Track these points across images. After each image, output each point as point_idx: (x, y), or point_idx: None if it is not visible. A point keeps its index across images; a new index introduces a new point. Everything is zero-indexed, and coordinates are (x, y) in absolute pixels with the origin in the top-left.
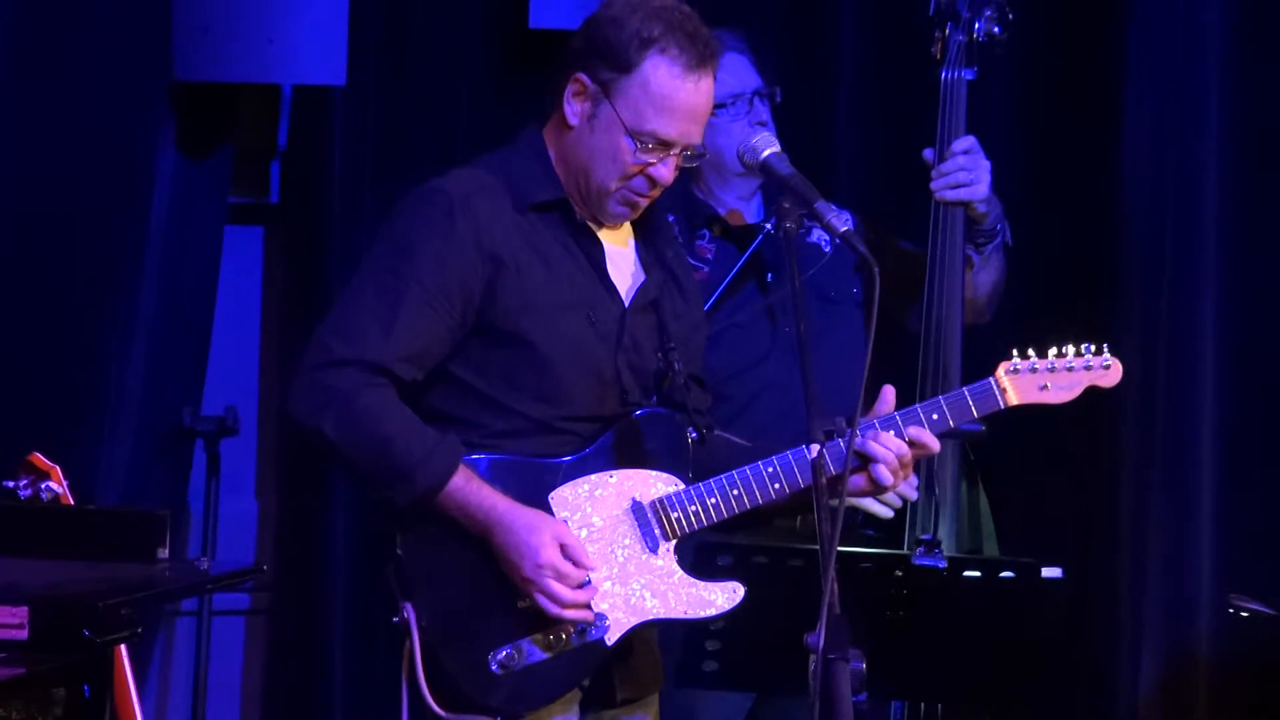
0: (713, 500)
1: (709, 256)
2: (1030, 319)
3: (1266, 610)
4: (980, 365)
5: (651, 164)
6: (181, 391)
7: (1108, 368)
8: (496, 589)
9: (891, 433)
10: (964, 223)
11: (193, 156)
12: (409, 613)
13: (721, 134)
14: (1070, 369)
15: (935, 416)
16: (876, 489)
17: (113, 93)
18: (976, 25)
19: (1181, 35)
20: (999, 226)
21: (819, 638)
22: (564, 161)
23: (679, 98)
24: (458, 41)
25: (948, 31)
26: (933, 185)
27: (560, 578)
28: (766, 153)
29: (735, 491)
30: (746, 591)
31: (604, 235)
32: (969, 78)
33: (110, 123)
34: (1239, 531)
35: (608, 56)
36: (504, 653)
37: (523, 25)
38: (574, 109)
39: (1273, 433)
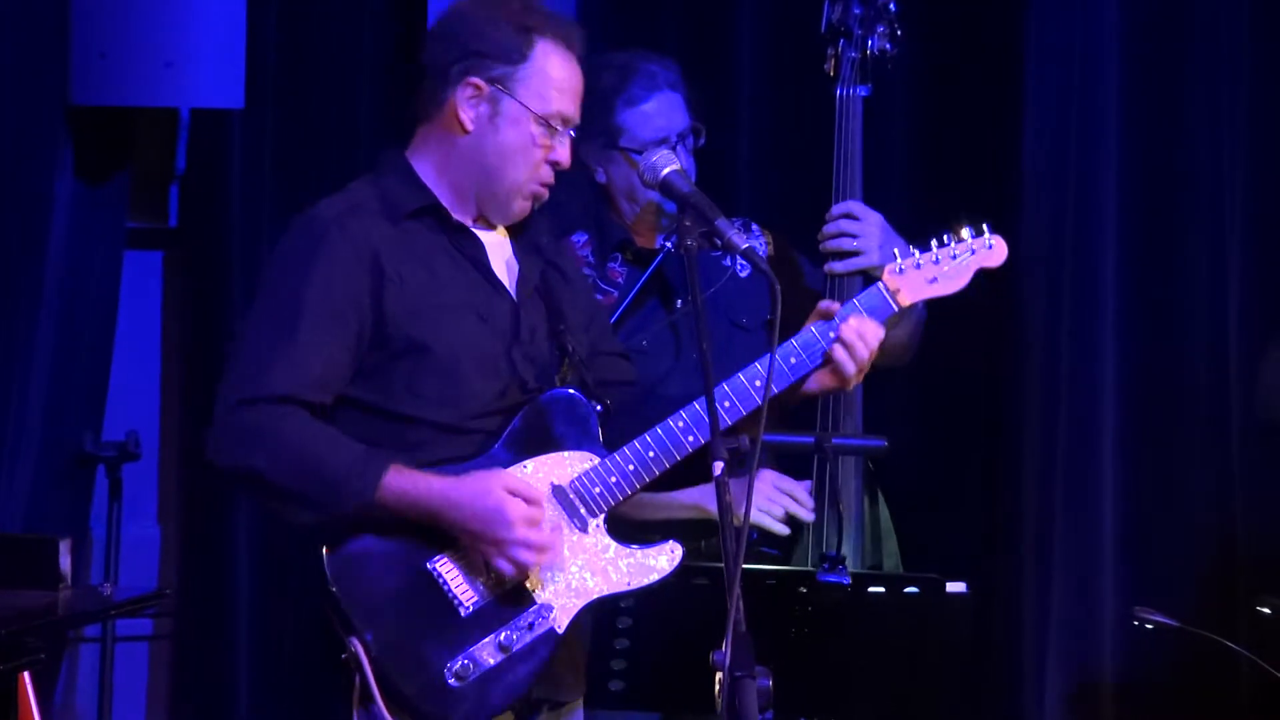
0: (631, 468)
1: (619, 280)
2: (931, 323)
3: (1170, 622)
4: (880, 389)
5: (554, 147)
6: (82, 417)
7: (991, 247)
8: (435, 604)
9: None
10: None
11: (91, 181)
12: (356, 646)
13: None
14: (955, 256)
15: (833, 334)
16: (840, 376)
17: (9, 118)
18: (869, 42)
19: (1080, 35)
20: None
21: (725, 655)
22: (452, 170)
23: (571, 77)
24: (355, 63)
25: (840, 49)
26: (822, 248)
27: (531, 523)
28: (666, 171)
29: (651, 454)
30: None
31: (481, 234)
32: (863, 94)
33: (6, 148)
34: (1142, 543)
35: (494, 54)
36: (458, 664)
37: (420, 48)
38: (469, 114)
39: (1175, 443)
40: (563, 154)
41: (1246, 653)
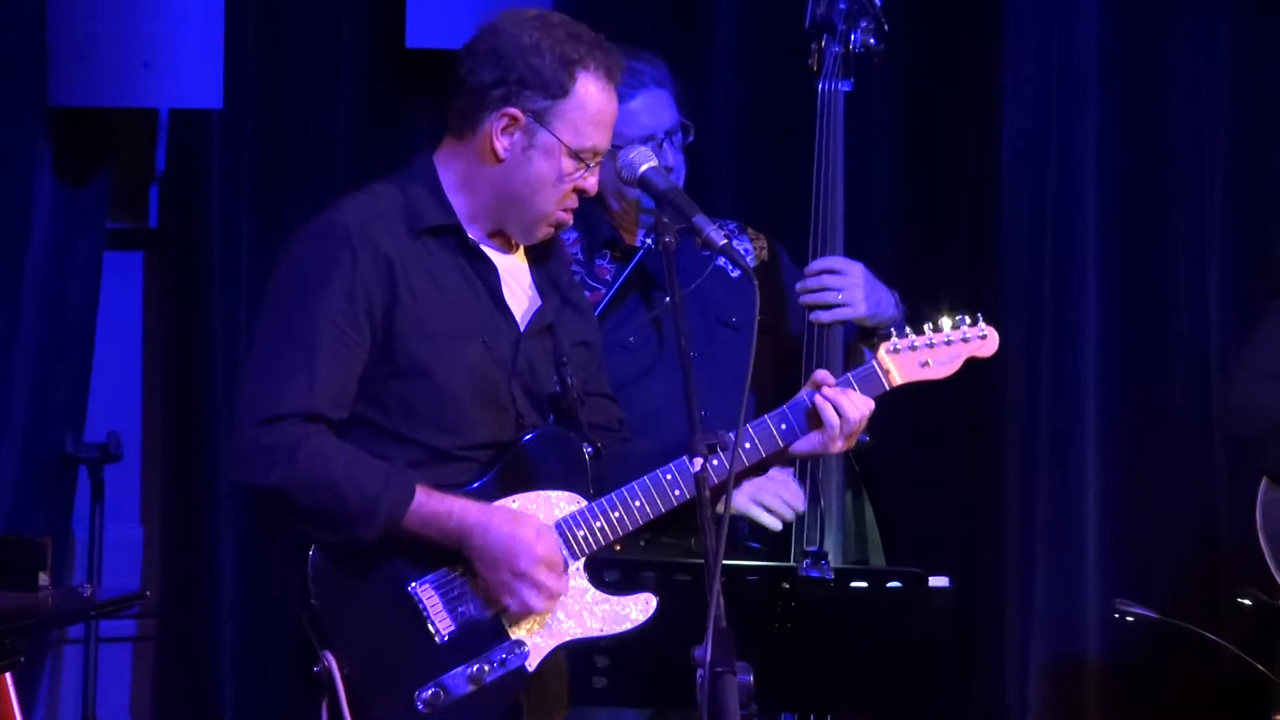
0: (616, 514)
1: (607, 277)
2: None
3: (1151, 614)
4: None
5: (584, 178)
6: (63, 418)
7: (984, 337)
8: (412, 628)
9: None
10: (841, 338)
11: (70, 182)
12: (329, 661)
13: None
14: (949, 342)
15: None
16: (828, 439)
17: None
18: (853, 37)
19: (1059, 21)
20: (895, 315)
21: (705, 651)
22: (478, 189)
23: (609, 110)
24: (334, 62)
25: (824, 43)
26: (802, 301)
27: (551, 567)
28: (644, 167)
29: (637, 503)
30: (641, 626)
31: (497, 258)
32: (846, 89)
33: None
34: (1124, 536)
35: (537, 86)
36: (429, 691)
37: (400, 45)
38: (504, 142)
39: (1156, 436)
40: (591, 184)
41: (1224, 643)
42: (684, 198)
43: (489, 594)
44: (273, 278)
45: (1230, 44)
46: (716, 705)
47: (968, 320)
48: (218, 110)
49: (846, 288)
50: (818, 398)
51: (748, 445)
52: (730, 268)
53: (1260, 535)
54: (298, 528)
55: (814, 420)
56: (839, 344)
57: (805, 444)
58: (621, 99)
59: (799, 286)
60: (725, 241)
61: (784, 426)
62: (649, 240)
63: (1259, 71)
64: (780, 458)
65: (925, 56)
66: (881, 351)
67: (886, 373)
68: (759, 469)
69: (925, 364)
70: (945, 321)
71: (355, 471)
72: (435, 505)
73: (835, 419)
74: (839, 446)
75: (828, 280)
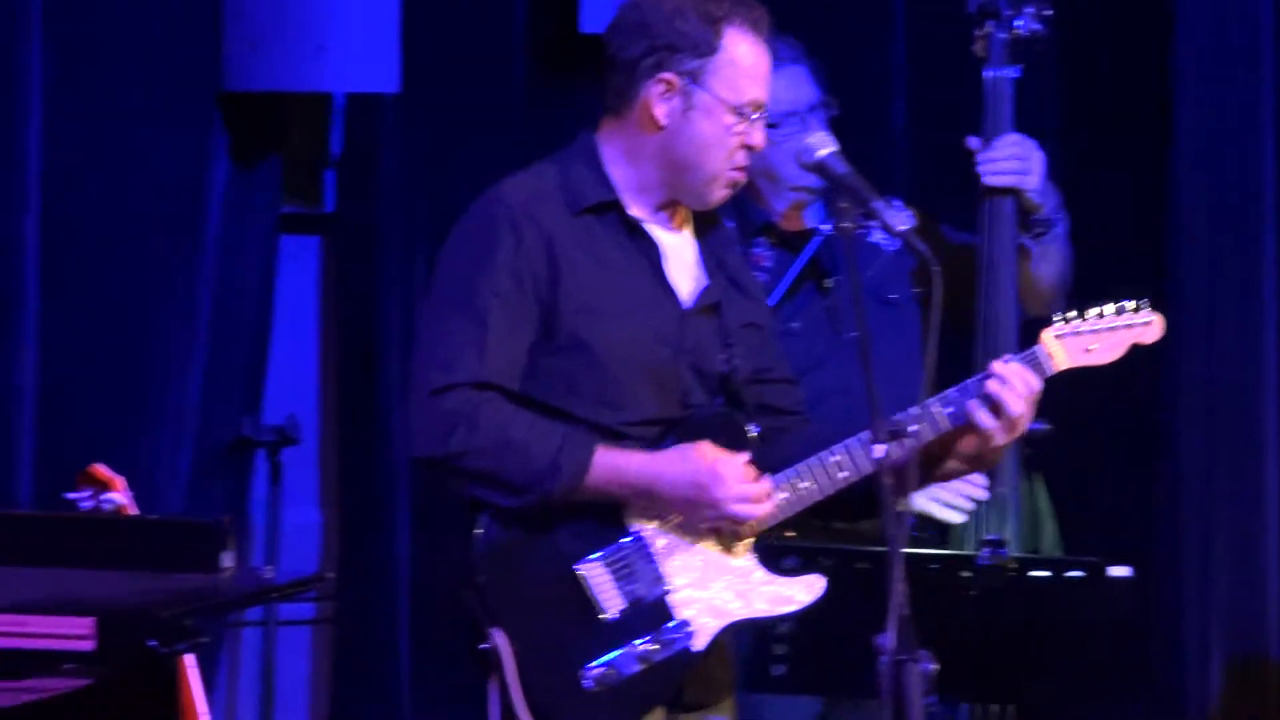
0: (783, 495)
1: (765, 264)
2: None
3: None
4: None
5: (748, 133)
6: (241, 402)
7: (1148, 323)
8: (580, 607)
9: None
10: (1014, 217)
11: (245, 167)
12: (499, 639)
13: (775, 151)
14: (1113, 328)
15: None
16: (1008, 423)
17: (163, 106)
18: (1018, 22)
19: (1234, 22)
20: (1056, 216)
21: (888, 639)
22: (643, 163)
23: (760, 62)
24: (509, 47)
25: (989, 29)
26: (979, 169)
27: (746, 477)
28: (822, 152)
29: (804, 484)
30: (806, 608)
31: (661, 235)
32: (1013, 75)
33: (161, 137)
34: None
35: (685, 48)
36: (599, 669)
37: (573, 30)
38: (664, 109)
39: None
40: (757, 138)
41: None
42: (862, 183)
43: (698, 537)
44: (439, 258)
45: None
46: (899, 694)
47: (1131, 305)
48: (393, 94)
49: (1026, 157)
50: (988, 382)
51: (915, 428)
52: (884, 244)
53: None
54: (479, 495)
55: (981, 405)
56: (1012, 330)
57: (975, 425)
58: None
59: (982, 157)
60: (905, 227)
61: (950, 410)
62: (824, 227)
63: None
64: (949, 452)
65: (1093, 39)
66: (1047, 335)
67: (1050, 357)
68: (935, 467)
69: (1089, 349)
70: (1109, 306)
71: (535, 431)
72: (617, 459)
73: (1005, 399)
74: (1003, 436)
75: (1014, 151)
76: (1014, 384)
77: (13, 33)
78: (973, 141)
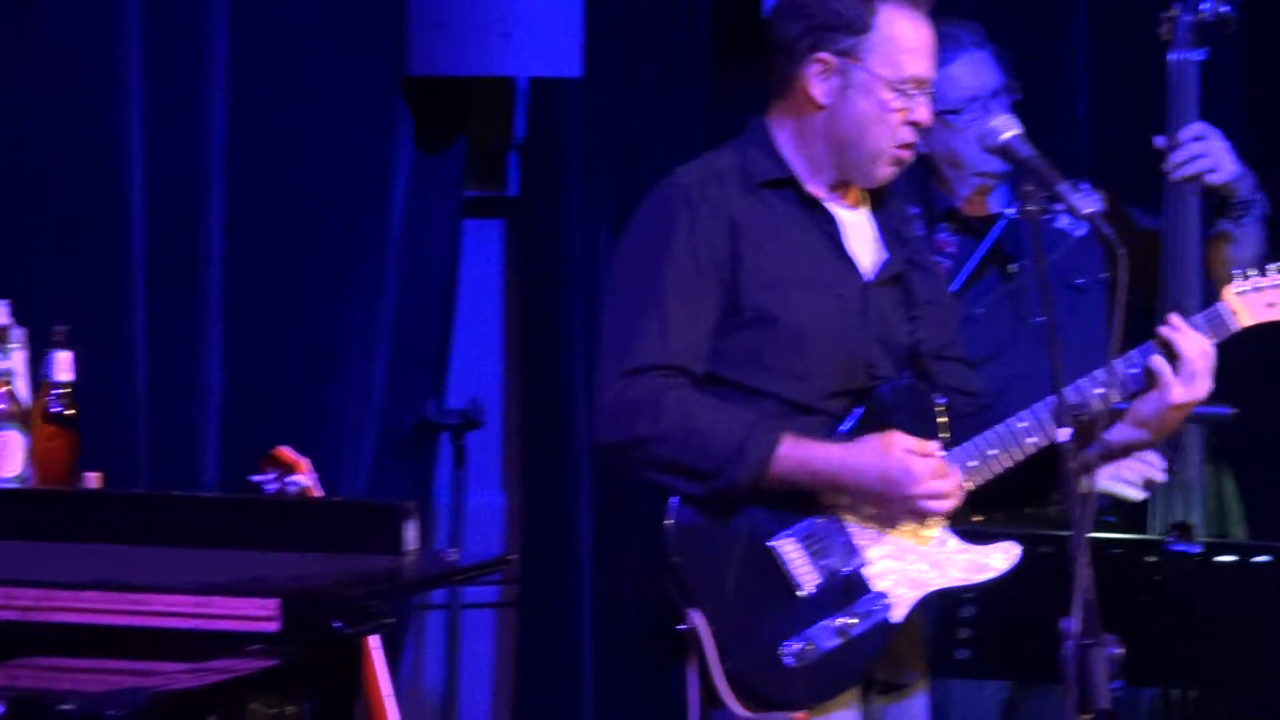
0: (973, 464)
1: (950, 250)
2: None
3: None
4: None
5: (911, 109)
6: (425, 385)
7: None
8: (775, 583)
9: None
10: (1198, 204)
11: (429, 152)
12: (697, 619)
13: (959, 137)
14: None
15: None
16: (1186, 374)
17: (348, 92)
18: (1204, 5)
19: None
20: (1254, 198)
21: (1074, 623)
22: (809, 143)
23: (919, 37)
24: (691, 30)
25: (1175, 12)
26: (1165, 166)
27: (937, 475)
28: (1007, 135)
29: (993, 451)
30: (998, 580)
31: (839, 211)
32: (1198, 58)
33: (346, 121)
34: None
35: (839, 27)
36: (796, 645)
37: (755, 13)
38: (822, 89)
39: None
40: (923, 114)
41: None
42: (1048, 166)
43: (883, 528)
44: (620, 246)
45: None
46: (1085, 678)
47: None
48: (577, 79)
49: (1209, 152)
50: (1162, 328)
51: (1099, 390)
52: (1070, 229)
53: None
54: (664, 482)
55: (1158, 352)
56: (1196, 308)
57: (1152, 375)
58: (941, 63)
59: (1172, 156)
60: (1092, 210)
61: (1134, 370)
62: (1009, 210)
63: None
64: (1135, 420)
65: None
66: (1228, 291)
67: (1234, 313)
68: (1121, 448)
69: (1272, 304)
70: None
71: (720, 419)
72: (804, 450)
73: (1180, 342)
74: (1180, 390)
75: (1196, 148)
76: (1185, 330)
77: (198, 18)
78: (1159, 140)
